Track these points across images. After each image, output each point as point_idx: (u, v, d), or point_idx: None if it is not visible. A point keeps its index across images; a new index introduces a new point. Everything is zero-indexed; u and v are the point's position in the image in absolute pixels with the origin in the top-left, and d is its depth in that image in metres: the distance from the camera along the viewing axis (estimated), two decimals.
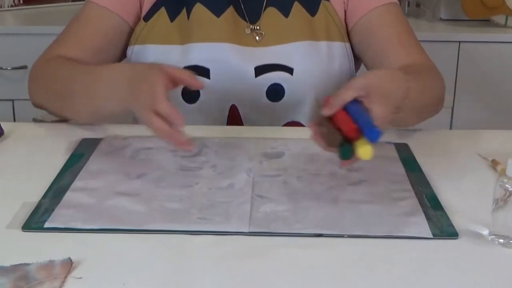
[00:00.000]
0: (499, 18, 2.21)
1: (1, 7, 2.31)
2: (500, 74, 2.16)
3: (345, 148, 0.90)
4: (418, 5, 2.41)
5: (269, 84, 1.27)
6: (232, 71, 1.26)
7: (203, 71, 1.26)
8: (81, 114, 1.16)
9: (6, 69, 2.11)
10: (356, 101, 0.93)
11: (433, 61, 1.30)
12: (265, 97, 1.27)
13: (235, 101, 1.27)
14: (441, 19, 2.29)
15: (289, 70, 1.27)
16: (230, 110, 1.28)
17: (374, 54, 1.28)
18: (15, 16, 2.31)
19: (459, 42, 2.13)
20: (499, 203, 0.84)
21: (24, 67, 2.11)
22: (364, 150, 0.88)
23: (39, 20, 2.26)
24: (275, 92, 1.27)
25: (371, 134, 0.88)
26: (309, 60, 1.27)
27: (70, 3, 2.42)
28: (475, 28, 2.20)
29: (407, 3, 2.37)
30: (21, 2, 2.35)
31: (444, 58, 2.13)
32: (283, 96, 1.27)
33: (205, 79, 1.25)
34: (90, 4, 1.29)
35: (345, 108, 0.93)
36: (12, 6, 2.33)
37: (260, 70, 1.27)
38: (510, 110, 2.18)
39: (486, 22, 2.25)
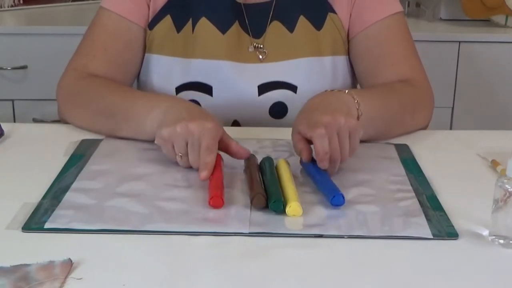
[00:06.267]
0: (499, 18, 2.21)
1: (1, 7, 2.31)
2: (500, 74, 2.16)
3: (276, 204, 0.90)
4: (418, 5, 2.41)
5: (272, 103, 1.27)
6: (234, 89, 1.26)
7: (205, 88, 1.26)
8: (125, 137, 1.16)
9: (6, 69, 2.11)
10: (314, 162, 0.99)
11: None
12: (268, 115, 1.27)
13: (237, 118, 1.27)
14: (441, 19, 2.29)
15: (293, 88, 1.26)
16: (232, 125, 1.28)
17: (365, 70, 1.29)
18: (15, 16, 2.31)
19: (459, 42, 2.13)
20: (499, 204, 0.84)
21: (24, 67, 2.11)
22: (294, 208, 0.90)
23: (39, 20, 2.26)
24: (278, 110, 1.27)
25: (337, 201, 0.91)
26: (313, 78, 1.26)
27: (70, 3, 2.42)
28: (475, 28, 2.20)
29: (407, 3, 2.37)
30: (21, 2, 2.35)
31: (444, 58, 2.13)
32: (286, 113, 1.27)
33: (207, 97, 1.25)
34: (107, 13, 1.27)
35: (306, 171, 1.00)
36: (12, 6, 2.33)
37: (264, 88, 1.26)
38: (510, 110, 2.18)
39: (486, 22, 2.25)
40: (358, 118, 1.07)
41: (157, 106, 1.08)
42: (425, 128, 1.26)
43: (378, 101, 1.15)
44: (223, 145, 1.03)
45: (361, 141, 1.13)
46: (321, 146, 0.96)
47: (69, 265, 0.77)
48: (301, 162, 1.02)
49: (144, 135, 1.11)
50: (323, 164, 0.97)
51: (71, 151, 1.10)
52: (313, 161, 1.00)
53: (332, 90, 1.10)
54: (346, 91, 1.09)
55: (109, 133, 1.16)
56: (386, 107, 1.15)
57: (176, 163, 1.03)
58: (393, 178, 1.02)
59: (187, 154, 1.00)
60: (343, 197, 0.91)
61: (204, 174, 0.96)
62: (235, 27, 1.27)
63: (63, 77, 1.26)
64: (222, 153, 1.05)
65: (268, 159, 1.02)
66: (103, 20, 1.27)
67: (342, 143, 0.98)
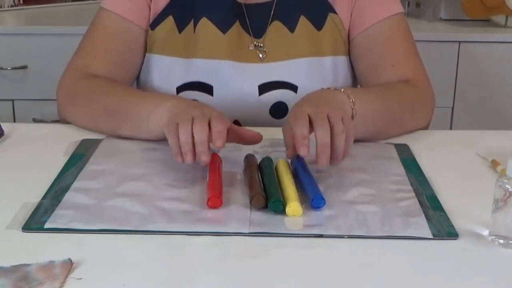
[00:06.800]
0: (499, 18, 2.21)
1: (1, 7, 2.31)
2: (500, 74, 2.16)
3: (275, 204, 0.90)
4: (418, 5, 2.41)
5: (272, 102, 1.27)
6: (235, 89, 1.26)
7: (206, 88, 1.26)
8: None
9: (6, 69, 2.11)
10: (300, 160, 0.99)
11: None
12: (269, 115, 1.27)
13: (238, 117, 1.27)
14: (441, 19, 2.29)
15: (293, 88, 1.26)
16: None
17: (366, 70, 1.29)
18: (15, 16, 2.31)
19: (459, 42, 2.13)
20: (499, 204, 0.84)
21: (24, 67, 2.11)
22: (294, 208, 0.89)
23: (39, 20, 2.26)
24: (279, 110, 1.27)
25: (318, 204, 0.91)
26: (313, 78, 1.26)
27: (70, 3, 2.42)
28: (475, 28, 2.20)
29: (407, 3, 2.37)
30: (21, 2, 2.35)
31: (444, 58, 2.13)
32: (286, 113, 1.27)
33: (208, 96, 1.25)
34: (107, 14, 1.27)
35: (294, 169, 0.99)
36: (12, 6, 2.33)
37: (264, 88, 1.26)
38: (510, 110, 2.18)
39: (486, 22, 2.25)
40: (352, 117, 1.07)
41: (162, 105, 1.09)
42: (426, 128, 1.26)
43: (376, 100, 1.15)
44: (234, 135, 1.03)
45: (361, 141, 1.14)
46: (300, 132, 0.94)
47: (69, 265, 0.77)
48: (292, 163, 1.03)
49: (145, 133, 1.11)
50: (302, 150, 0.94)
51: (71, 151, 1.10)
52: (302, 161, 1.01)
53: (329, 88, 1.10)
54: (342, 89, 1.09)
55: (110, 131, 1.16)
56: (384, 106, 1.15)
57: (177, 162, 1.03)
58: (393, 178, 1.02)
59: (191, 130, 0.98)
60: (323, 199, 0.91)
61: (219, 142, 0.95)
62: (236, 27, 1.27)
63: (63, 77, 1.26)
64: (222, 153, 1.05)
65: (267, 159, 1.02)
66: (103, 21, 1.27)
67: (335, 125, 0.95)
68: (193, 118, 0.98)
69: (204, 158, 0.95)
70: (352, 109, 1.07)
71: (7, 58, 2.10)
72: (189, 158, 0.96)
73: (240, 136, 1.05)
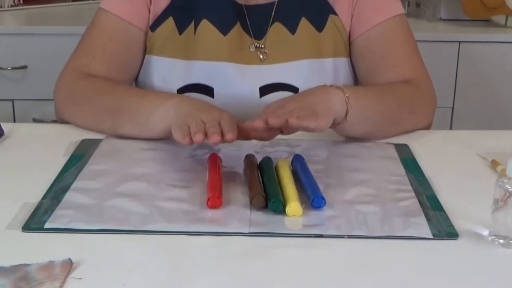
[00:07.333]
0: (499, 18, 2.21)
1: (1, 7, 2.31)
2: (500, 74, 2.16)
3: (276, 204, 0.90)
4: (418, 5, 2.41)
5: None
6: (236, 91, 1.25)
7: (207, 90, 1.26)
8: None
9: (6, 69, 2.10)
10: (303, 162, 1.01)
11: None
12: None
13: (238, 119, 1.27)
14: (441, 19, 2.29)
15: (295, 90, 1.26)
16: None
17: (367, 71, 1.29)
18: (15, 16, 2.31)
19: (459, 42, 2.13)
20: (499, 204, 0.84)
21: (24, 67, 2.10)
22: (294, 208, 0.90)
23: (39, 20, 2.26)
24: None
25: (318, 204, 0.91)
26: (314, 80, 1.26)
27: (70, 3, 2.42)
28: (475, 28, 2.20)
29: (407, 3, 2.37)
30: (21, 2, 2.35)
31: (444, 58, 2.13)
32: None
33: (209, 98, 1.25)
34: (106, 14, 1.27)
35: (294, 169, 1.00)
36: (12, 6, 2.33)
37: (265, 90, 1.26)
38: (510, 110, 2.18)
39: (486, 22, 2.25)
40: (347, 113, 1.08)
41: (166, 102, 1.09)
42: (427, 128, 1.26)
43: (374, 97, 1.15)
44: (244, 131, 1.04)
45: (360, 141, 1.14)
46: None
47: (69, 265, 0.77)
48: (292, 163, 1.03)
49: (147, 131, 1.12)
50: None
51: (71, 151, 1.10)
52: (302, 161, 1.01)
53: (325, 85, 1.11)
54: (338, 85, 1.10)
55: (111, 130, 1.16)
56: (382, 104, 1.15)
57: (177, 162, 1.03)
58: (393, 178, 1.02)
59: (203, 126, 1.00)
60: (324, 199, 0.91)
61: (230, 135, 0.99)
62: (237, 28, 1.27)
63: (62, 77, 1.25)
64: (222, 153, 1.05)
65: (267, 159, 1.02)
66: (102, 21, 1.27)
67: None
68: (204, 123, 1.00)
69: (216, 137, 0.97)
70: (347, 103, 1.07)
71: (7, 58, 2.10)
72: (198, 137, 0.97)
73: (246, 132, 1.05)
